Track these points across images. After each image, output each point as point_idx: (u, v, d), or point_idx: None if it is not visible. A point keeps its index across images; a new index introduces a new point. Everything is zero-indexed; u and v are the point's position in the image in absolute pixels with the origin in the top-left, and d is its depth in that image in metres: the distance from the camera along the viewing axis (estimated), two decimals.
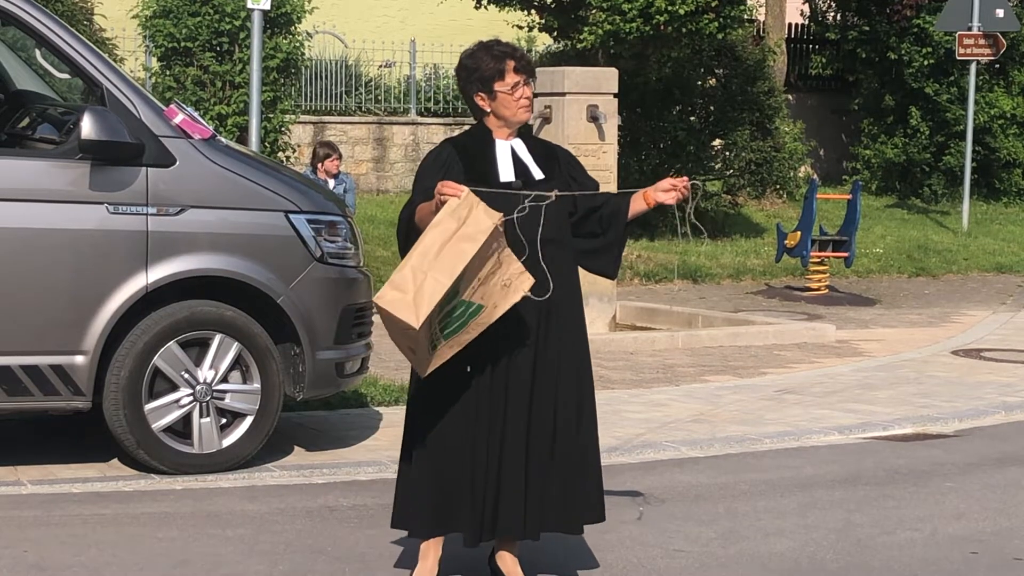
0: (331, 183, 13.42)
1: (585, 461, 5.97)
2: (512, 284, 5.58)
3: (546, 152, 6.04)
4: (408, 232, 5.85)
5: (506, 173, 5.87)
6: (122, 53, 19.95)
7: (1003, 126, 23.94)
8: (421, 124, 22.19)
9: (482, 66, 5.87)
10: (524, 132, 6.03)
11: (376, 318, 9.40)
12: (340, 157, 13.90)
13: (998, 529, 7.42)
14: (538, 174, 5.91)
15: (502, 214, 5.59)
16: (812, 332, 13.44)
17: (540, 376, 5.83)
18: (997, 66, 23.93)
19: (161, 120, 7.81)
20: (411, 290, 5.40)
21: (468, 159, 5.87)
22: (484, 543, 5.95)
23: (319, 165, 13.66)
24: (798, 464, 8.73)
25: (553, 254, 5.79)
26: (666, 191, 5.99)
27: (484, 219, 5.52)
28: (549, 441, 5.87)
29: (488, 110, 5.92)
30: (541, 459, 5.86)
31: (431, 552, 6.00)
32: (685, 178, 6.03)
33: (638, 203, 6.06)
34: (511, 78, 5.85)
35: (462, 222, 5.50)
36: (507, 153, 5.91)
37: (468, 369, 5.77)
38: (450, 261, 5.44)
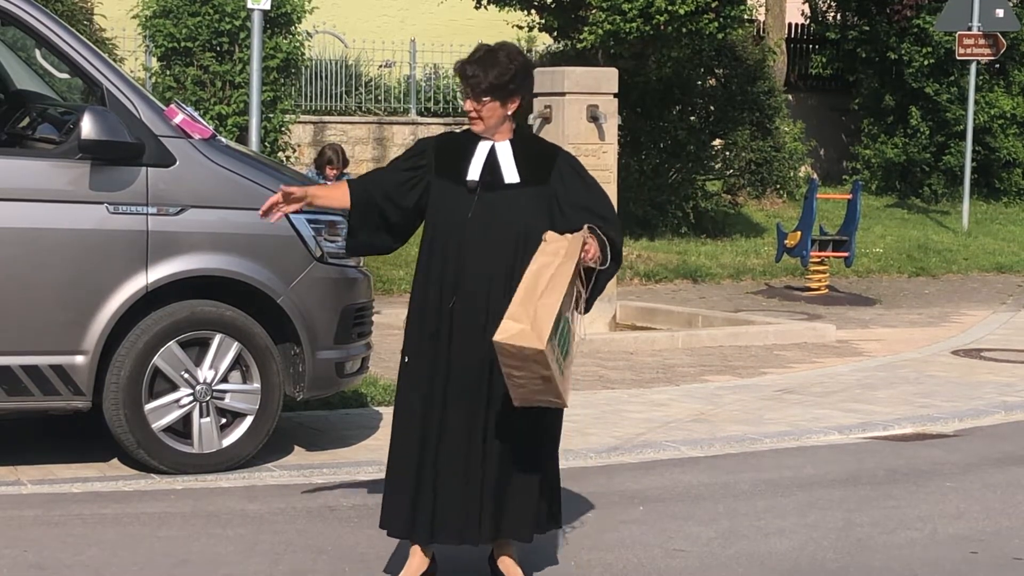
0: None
1: (537, 473, 5.99)
2: (577, 293, 5.80)
3: (537, 156, 6.00)
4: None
5: (472, 172, 5.89)
6: (122, 53, 19.94)
7: (1003, 126, 23.94)
8: (421, 124, 22.19)
9: None
10: (519, 134, 6.03)
11: (378, 317, 9.42)
12: (344, 165, 13.81)
13: (998, 529, 7.42)
14: (512, 178, 5.90)
15: (585, 227, 5.76)
16: (812, 332, 13.44)
17: (496, 384, 5.84)
18: (997, 66, 23.93)
19: (161, 120, 7.81)
20: (528, 320, 5.56)
21: (441, 154, 5.97)
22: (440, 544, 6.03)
23: (327, 167, 13.60)
24: (798, 464, 8.73)
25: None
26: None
27: (577, 239, 5.73)
28: (508, 448, 5.88)
29: None
30: (498, 465, 5.88)
31: (418, 552, 6.05)
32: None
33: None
34: (463, 85, 5.95)
35: (560, 255, 5.68)
36: (483, 154, 5.92)
37: (406, 360, 5.91)
38: (555, 283, 5.63)
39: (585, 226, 5.79)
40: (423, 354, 5.89)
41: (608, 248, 5.86)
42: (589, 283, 5.84)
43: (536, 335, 5.51)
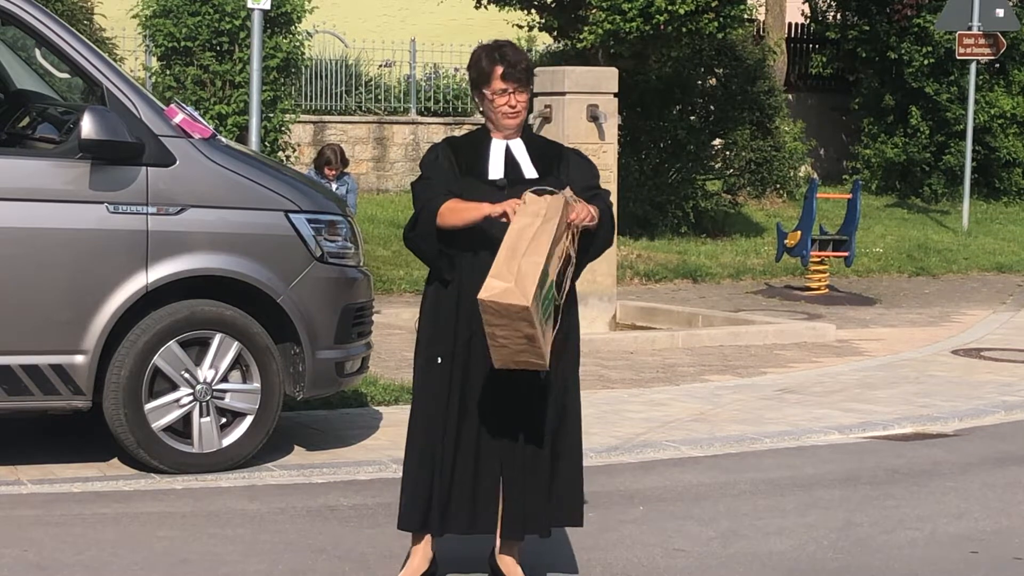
0: (332, 184, 13.40)
1: (573, 461, 6.03)
2: (566, 256, 5.77)
3: (548, 152, 6.04)
4: (428, 225, 5.85)
5: (495, 171, 5.90)
6: (122, 53, 19.96)
7: (1003, 125, 23.95)
8: (421, 124, 22.18)
9: (475, 67, 5.95)
10: (527, 131, 6.05)
11: (378, 317, 9.43)
12: (343, 165, 13.79)
13: (998, 529, 7.42)
14: (530, 173, 5.93)
15: (569, 188, 5.74)
16: (812, 332, 13.44)
17: (526, 375, 5.85)
18: (997, 66, 23.94)
19: (161, 120, 7.81)
20: (512, 278, 5.53)
21: (459, 157, 5.94)
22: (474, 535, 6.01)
23: (325, 167, 13.59)
24: (798, 463, 8.73)
25: None
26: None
27: (557, 199, 5.69)
28: (538, 440, 5.89)
29: (481, 109, 5.99)
30: (529, 457, 5.89)
31: (419, 552, 6.04)
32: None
33: None
34: (497, 85, 5.87)
35: (540, 215, 5.64)
36: (500, 152, 5.94)
37: (440, 360, 5.86)
38: (538, 242, 5.59)
39: (567, 188, 5.78)
40: (459, 354, 5.86)
41: (599, 212, 5.86)
42: (587, 248, 5.83)
43: (520, 292, 5.49)
